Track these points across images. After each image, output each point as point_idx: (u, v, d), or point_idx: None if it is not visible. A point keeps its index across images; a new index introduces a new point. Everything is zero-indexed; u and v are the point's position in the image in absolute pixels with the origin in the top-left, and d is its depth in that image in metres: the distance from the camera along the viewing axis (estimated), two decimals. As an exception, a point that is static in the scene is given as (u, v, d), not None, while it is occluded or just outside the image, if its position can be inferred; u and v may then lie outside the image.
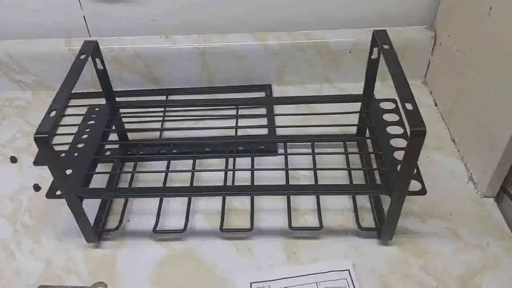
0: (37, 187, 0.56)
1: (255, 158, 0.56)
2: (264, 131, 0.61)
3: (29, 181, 0.57)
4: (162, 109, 0.63)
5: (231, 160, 0.56)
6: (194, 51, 0.67)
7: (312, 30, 0.67)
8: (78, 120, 0.55)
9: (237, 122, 0.59)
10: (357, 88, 0.56)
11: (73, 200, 0.45)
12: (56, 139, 0.61)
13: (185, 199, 0.53)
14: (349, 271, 0.45)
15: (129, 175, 0.56)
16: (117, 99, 0.57)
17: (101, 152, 0.53)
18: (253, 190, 0.50)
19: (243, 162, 0.56)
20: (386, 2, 0.65)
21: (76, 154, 0.50)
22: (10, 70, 0.69)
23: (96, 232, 0.49)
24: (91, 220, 0.48)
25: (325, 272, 0.45)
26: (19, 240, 0.51)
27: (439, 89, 0.65)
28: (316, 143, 0.56)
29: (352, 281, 0.44)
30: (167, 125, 0.63)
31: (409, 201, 0.50)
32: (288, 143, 0.57)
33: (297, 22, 0.67)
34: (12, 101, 0.70)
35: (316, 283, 0.44)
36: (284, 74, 0.69)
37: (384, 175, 0.48)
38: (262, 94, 0.69)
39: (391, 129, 0.51)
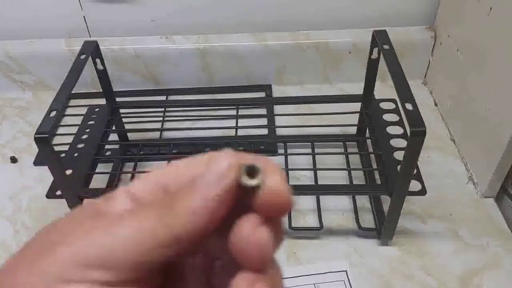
0: (13, 159, 0.59)
1: (255, 158, 0.55)
2: (264, 131, 0.61)
3: (29, 182, 0.57)
4: (162, 109, 0.63)
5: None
6: (194, 51, 0.67)
7: (312, 30, 0.67)
8: (78, 120, 0.55)
9: (237, 122, 0.59)
10: (357, 88, 0.56)
11: (73, 200, 0.45)
12: (56, 139, 0.61)
13: (185, 199, 0.52)
14: (346, 272, 0.45)
15: (129, 175, 0.56)
16: (117, 99, 0.57)
17: (101, 152, 0.53)
18: (253, 190, 0.50)
19: (243, 162, 0.56)
20: (386, 2, 0.65)
21: (76, 154, 0.50)
22: (10, 70, 0.69)
23: (96, 232, 0.49)
24: (91, 220, 0.48)
25: (324, 273, 0.45)
26: (19, 240, 0.51)
27: (439, 89, 0.65)
28: (316, 143, 0.56)
29: (349, 282, 0.44)
30: (167, 125, 0.63)
31: (409, 201, 0.50)
32: (288, 143, 0.57)
33: (297, 22, 0.66)
34: (12, 102, 0.70)
35: (314, 284, 0.44)
36: (284, 74, 0.69)
37: (384, 175, 0.48)
38: (262, 94, 0.69)
39: (391, 129, 0.51)
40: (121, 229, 0.16)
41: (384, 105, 0.54)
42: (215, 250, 0.19)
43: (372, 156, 0.54)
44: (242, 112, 0.60)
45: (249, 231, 0.16)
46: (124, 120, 0.58)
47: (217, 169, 0.16)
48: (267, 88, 0.69)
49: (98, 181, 0.53)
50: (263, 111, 0.65)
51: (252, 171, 0.16)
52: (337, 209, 0.52)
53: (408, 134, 0.38)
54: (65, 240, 0.16)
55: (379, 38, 0.46)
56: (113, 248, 0.15)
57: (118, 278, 0.15)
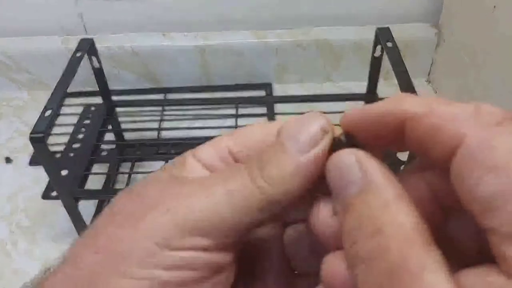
0: (8, 159, 0.59)
1: (255, 158, 0.55)
2: (264, 131, 0.60)
3: (25, 182, 0.56)
4: (160, 108, 0.63)
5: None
6: (193, 49, 0.66)
7: (313, 27, 0.66)
8: (74, 119, 0.55)
9: (236, 121, 0.58)
10: (360, 86, 0.55)
11: (69, 201, 0.44)
12: (52, 139, 0.60)
13: (184, 200, 0.52)
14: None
15: (126, 175, 0.55)
16: (114, 98, 0.56)
17: (98, 152, 0.52)
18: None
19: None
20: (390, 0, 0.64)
21: (72, 155, 0.50)
22: (5, 68, 0.68)
23: (92, 234, 0.48)
24: (88, 221, 0.48)
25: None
26: (15, 241, 0.50)
27: (443, 87, 0.64)
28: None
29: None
30: (165, 124, 0.62)
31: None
32: (288, 143, 0.56)
33: (298, 19, 0.66)
34: (8, 101, 0.69)
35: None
36: (285, 73, 0.69)
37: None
38: (262, 93, 0.68)
39: (394, 129, 0.50)
40: (216, 195, 0.16)
41: (387, 104, 0.53)
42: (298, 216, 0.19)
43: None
44: (242, 111, 0.60)
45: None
46: (121, 119, 0.57)
47: (310, 132, 0.16)
48: (268, 86, 0.69)
49: (94, 181, 0.52)
50: (263, 110, 0.64)
51: (340, 142, 0.16)
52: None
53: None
54: (161, 205, 0.16)
55: (382, 36, 0.46)
56: (211, 214, 0.15)
57: (214, 244, 0.15)
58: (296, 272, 0.20)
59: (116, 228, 0.16)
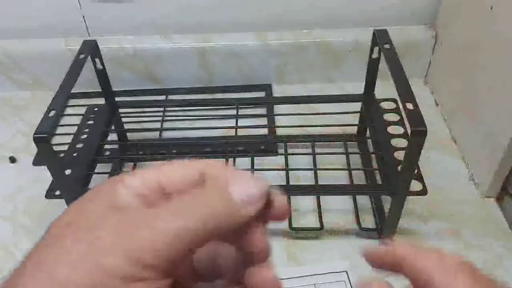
0: (12, 159, 0.59)
1: (255, 158, 0.55)
2: (264, 131, 0.61)
3: (28, 182, 0.57)
4: (162, 109, 0.63)
5: (231, 160, 0.55)
6: (194, 50, 0.66)
7: (313, 29, 0.67)
8: (77, 120, 0.55)
9: (237, 122, 0.58)
10: (359, 87, 0.56)
11: (72, 201, 0.45)
12: (55, 139, 0.60)
13: (185, 199, 0.52)
14: (347, 273, 0.45)
15: (129, 175, 0.56)
16: (117, 98, 0.56)
17: (101, 152, 0.52)
18: (253, 190, 0.50)
19: (243, 162, 0.56)
20: (387, 1, 0.64)
21: (75, 154, 0.50)
22: (8, 69, 0.69)
23: (95, 233, 0.49)
24: (91, 220, 0.48)
25: (324, 274, 0.45)
26: (18, 241, 0.50)
27: (440, 88, 0.65)
28: (316, 143, 0.56)
29: (350, 282, 0.44)
30: (167, 125, 0.63)
31: (410, 201, 0.50)
32: (288, 143, 0.57)
33: (298, 20, 0.66)
34: (10, 101, 0.70)
35: (315, 284, 0.44)
36: (285, 74, 0.69)
37: (384, 175, 0.48)
38: (262, 94, 0.69)
39: (392, 129, 0.51)
40: (165, 234, 0.18)
41: (385, 105, 0.54)
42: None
43: (373, 156, 0.54)
44: (242, 112, 0.60)
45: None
46: (123, 120, 0.58)
47: (255, 194, 0.20)
48: (267, 87, 0.69)
49: (98, 181, 0.53)
50: (263, 110, 0.64)
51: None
52: (338, 209, 0.51)
53: (409, 134, 0.38)
54: (116, 247, 0.17)
55: (380, 38, 0.46)
56: (160, 253, 0.17)
57: (164, 273, 0.18)
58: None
59: (74, 268, 0.17)
